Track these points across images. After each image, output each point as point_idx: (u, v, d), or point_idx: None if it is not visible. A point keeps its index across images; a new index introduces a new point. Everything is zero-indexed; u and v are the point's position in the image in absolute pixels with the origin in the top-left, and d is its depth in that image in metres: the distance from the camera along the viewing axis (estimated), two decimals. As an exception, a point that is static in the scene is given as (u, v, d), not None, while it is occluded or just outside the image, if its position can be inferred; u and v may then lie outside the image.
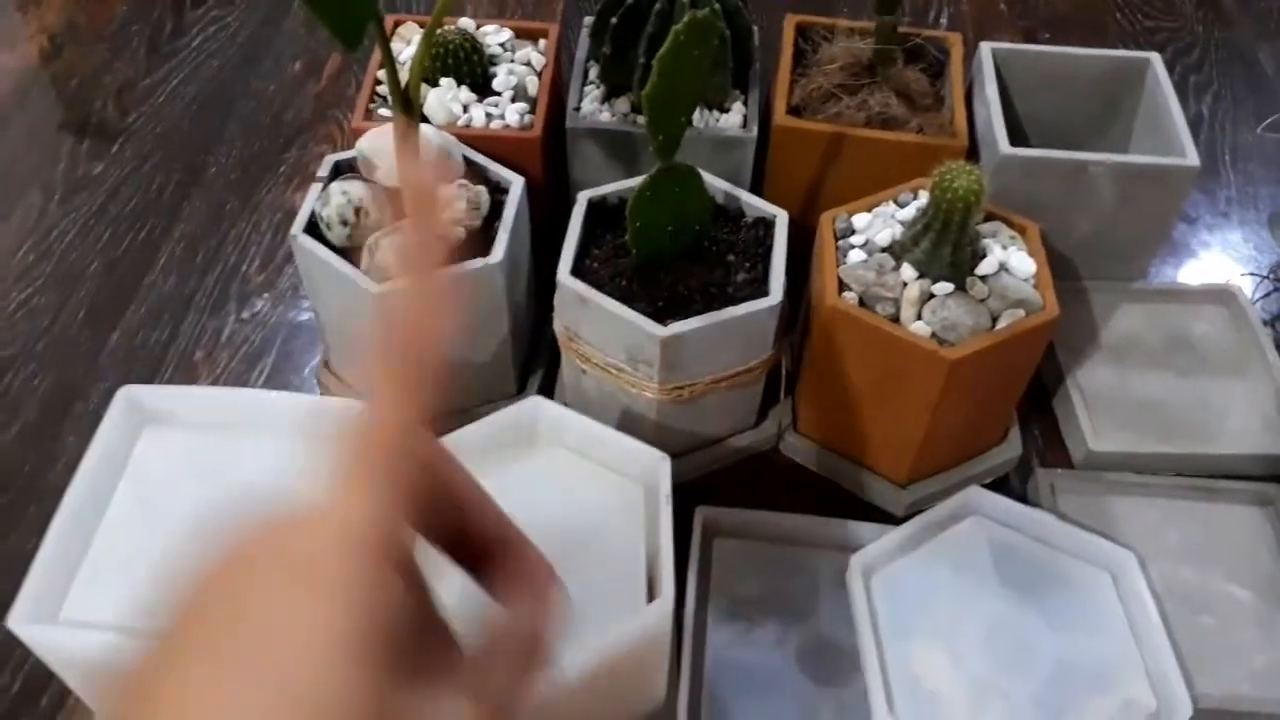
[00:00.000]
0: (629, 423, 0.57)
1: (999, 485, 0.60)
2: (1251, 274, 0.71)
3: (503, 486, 0.48)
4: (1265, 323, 0.68)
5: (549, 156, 0.64)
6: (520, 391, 0.62)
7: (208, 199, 0.76)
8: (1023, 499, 0.58)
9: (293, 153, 0.80)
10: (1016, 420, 0.61)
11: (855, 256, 0.54)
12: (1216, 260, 0.73)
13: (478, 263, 0.53)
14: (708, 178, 0.57)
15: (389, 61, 0.49)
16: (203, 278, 0.71)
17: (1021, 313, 0.51)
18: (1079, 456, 0.60)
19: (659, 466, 0.47)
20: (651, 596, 0.44)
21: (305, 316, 0.69)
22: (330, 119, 0.82)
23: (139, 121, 0.82)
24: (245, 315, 0.69)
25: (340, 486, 0.23)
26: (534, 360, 0.63)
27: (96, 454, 0.46)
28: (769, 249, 0.56)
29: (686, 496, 0.57)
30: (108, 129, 0.82)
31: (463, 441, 0.48)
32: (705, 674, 0.51)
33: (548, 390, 0.63)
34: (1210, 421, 0.61)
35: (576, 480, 0.48)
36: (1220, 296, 0.68)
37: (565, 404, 0.61)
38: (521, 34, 0.68)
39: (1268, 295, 0.70)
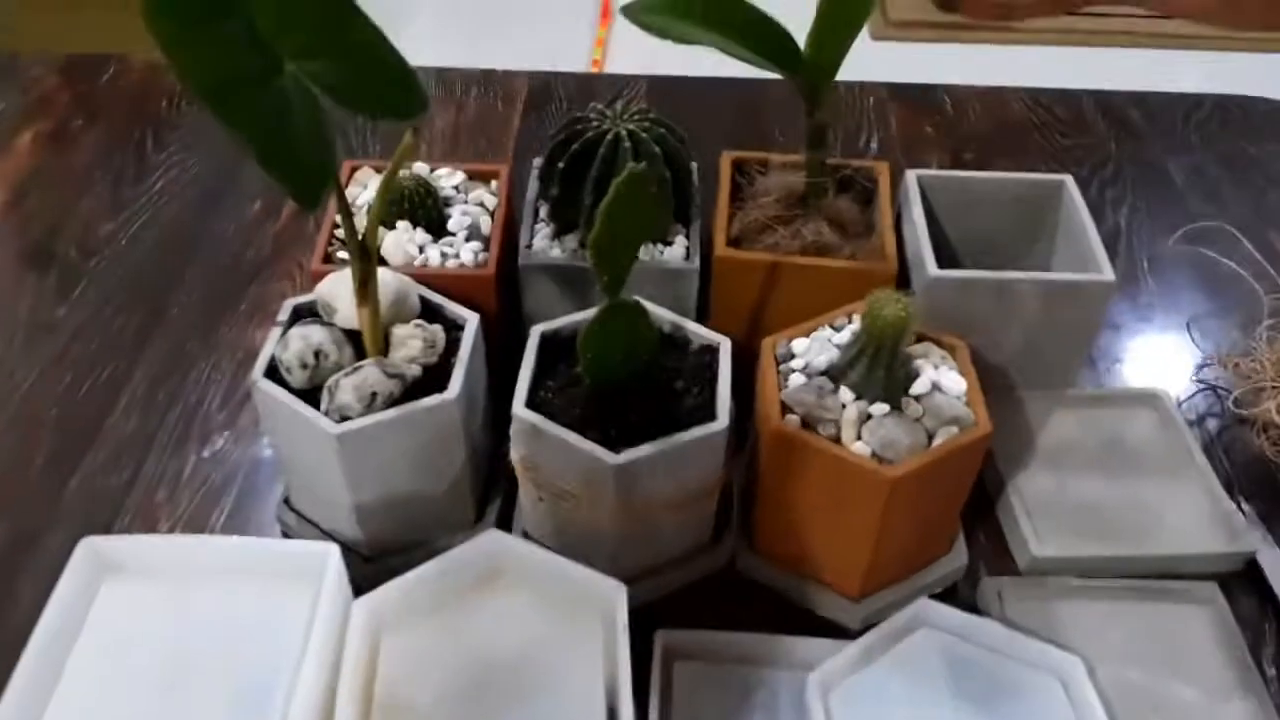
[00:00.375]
0: (586, 547, 0.59)
1: (949, 594, 0.61)
2: (1174, 375, 0.75)
3: (462, 623, 0.49)
4: (1191, 423, 0.72)
5: (503, 291, 0.66)
6: (479, 519, 0.63)
7: (169, 339, 0.78)
8: (972, 607, 0.59)
9: (252, 291, 0.82)
10: (962, 530, 0.63)
11: (796, 380, 0.56)
12: (1142, 364, 0.77)
13: (435, 399, 0.55)
14: (653, 309, 0.60)
15: (345, 214, 0.52)
16: (164, 417, 0.72)
17: (955, 429, 0.54)
18: (1024, 562, 0.62)
19: (615, 596, 0.48)
20: (612, 727, 0.45)
21: (266, 453, 0.70)
22: (289, 257, 0.85)
23: (102, 264, 0.84)
24: (206, 454, 0.70)
25: None
26: (492, 488, 0.65)
27: (55, 610, 0.47)
28: (715, 375, 0.58)
29: (646, 618, 0.58)
30: (71, 272, 0.84)
31: (420, 580, 0.49)
32: (670, 801, 0.52)
33: (506, 517, 0.64)
34: (1147, 522, 0.64)
35: (534, 614, 0.49)
36: (1148, 400, 0.71)
37: (524, 530, 0.63)
38: (474, 176, 0.72)
39: (1192, 397, 0.74)
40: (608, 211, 0.48)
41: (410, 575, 0.49)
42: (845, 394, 0.55)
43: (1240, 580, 0.62)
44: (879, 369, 0.54)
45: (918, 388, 0.55)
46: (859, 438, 0.54)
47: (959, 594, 0.62)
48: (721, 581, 0.63)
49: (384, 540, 0.60)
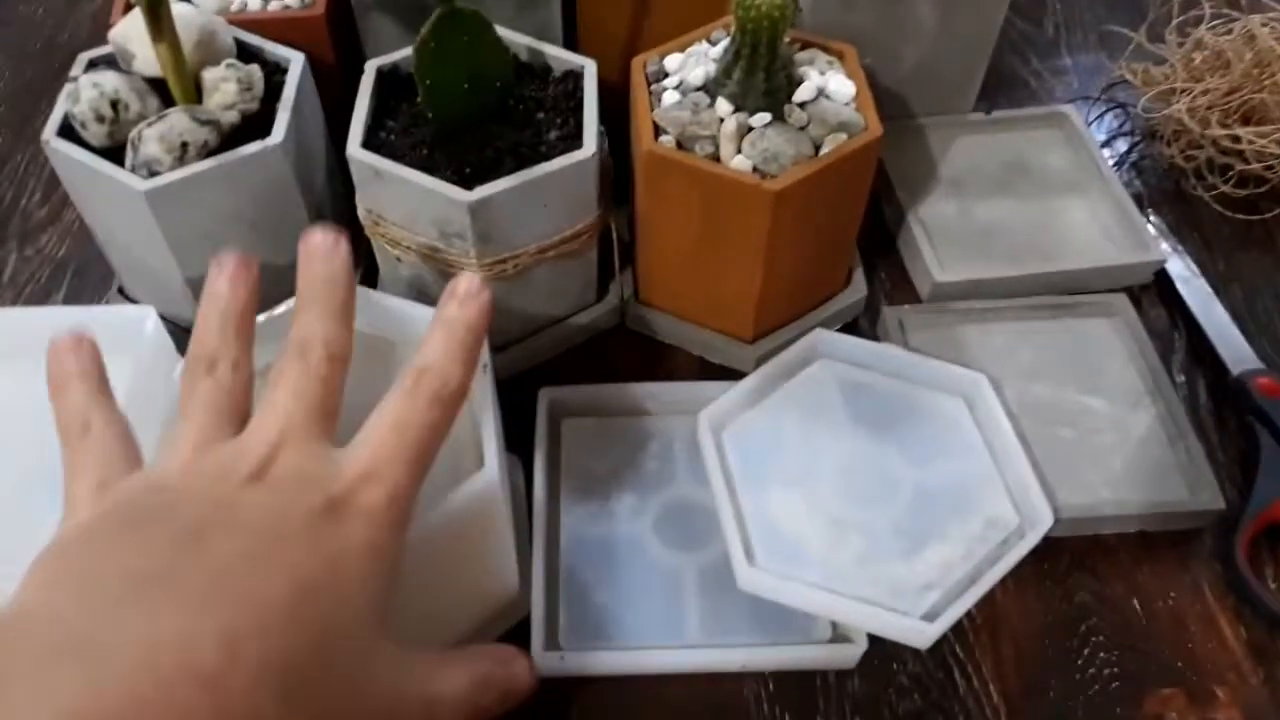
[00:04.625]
0: (456, 309, 0.53)
1: (848, 330, 0.58)
2: (1083, 99, 0.70)
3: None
4: (1101, 145, 0.68)
5: (340, 34, 0.58)
6: (338, 294, 0.57)
7: (-25, 135, 0.69)
8: (874, 339, 0.56)
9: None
10: (860, 263, 0.59)
11: (669, 99, 0.50)
12: (1049, 88, 0.72)
13: (256, 145, 0.48)
14: (508, 34, 0.53)
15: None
16: (-24, 218, 0.64)
17: (844, 136, 0.49)
18: (926, 290, 0.59)
19: (473, 335, 0.43)
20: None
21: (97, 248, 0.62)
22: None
23: (-112, 61, 0.74)
24: (29, 252, 0.62)
25: None
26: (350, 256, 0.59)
27: None
28: (581, 103, 0.52)
29: (532, 382, 0.54)
30: None
31: (258, 333, 0.43)
32: (560, 556, 0.49)
33: (368, 286, 0.58)
34: (1054, 241, 0.60)
35: (390, 363, 0.44)
36: (1054, 121, 0.66)
37: (388, 301, 0.57)
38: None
39: (1100, 117, 0.70)
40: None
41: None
42: (723, 106, 0.49)
43: (1149, 293, 0.60)
44: (757, 73, 0.48)
45: (802, 94, 0.49)
46: (739, 153, 0.48)
47: (859, 328, 0.58)
48: (611, 339, 0.59)
49: (229, 319, 0.54)
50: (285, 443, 0.32)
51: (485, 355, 0.42)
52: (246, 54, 0.53)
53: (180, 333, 0.55)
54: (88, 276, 0.61)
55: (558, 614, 0.47)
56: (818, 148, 0.49)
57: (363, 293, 0.45)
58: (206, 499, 0.30)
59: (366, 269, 0.58)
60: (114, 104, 0.49)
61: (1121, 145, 0.68)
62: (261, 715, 0.26)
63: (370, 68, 0.52)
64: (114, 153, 0.49)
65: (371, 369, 0.44)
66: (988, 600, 0.46)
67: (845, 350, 0.52)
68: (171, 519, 0.29)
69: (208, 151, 0.49)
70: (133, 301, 0.57)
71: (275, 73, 0.53)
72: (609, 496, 0.51)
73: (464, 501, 0.39)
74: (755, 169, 0.48)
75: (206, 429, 0.32)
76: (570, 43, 0.60)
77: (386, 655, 0.32)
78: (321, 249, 0.36)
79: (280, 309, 0.44)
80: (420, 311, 0.44)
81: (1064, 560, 0.50)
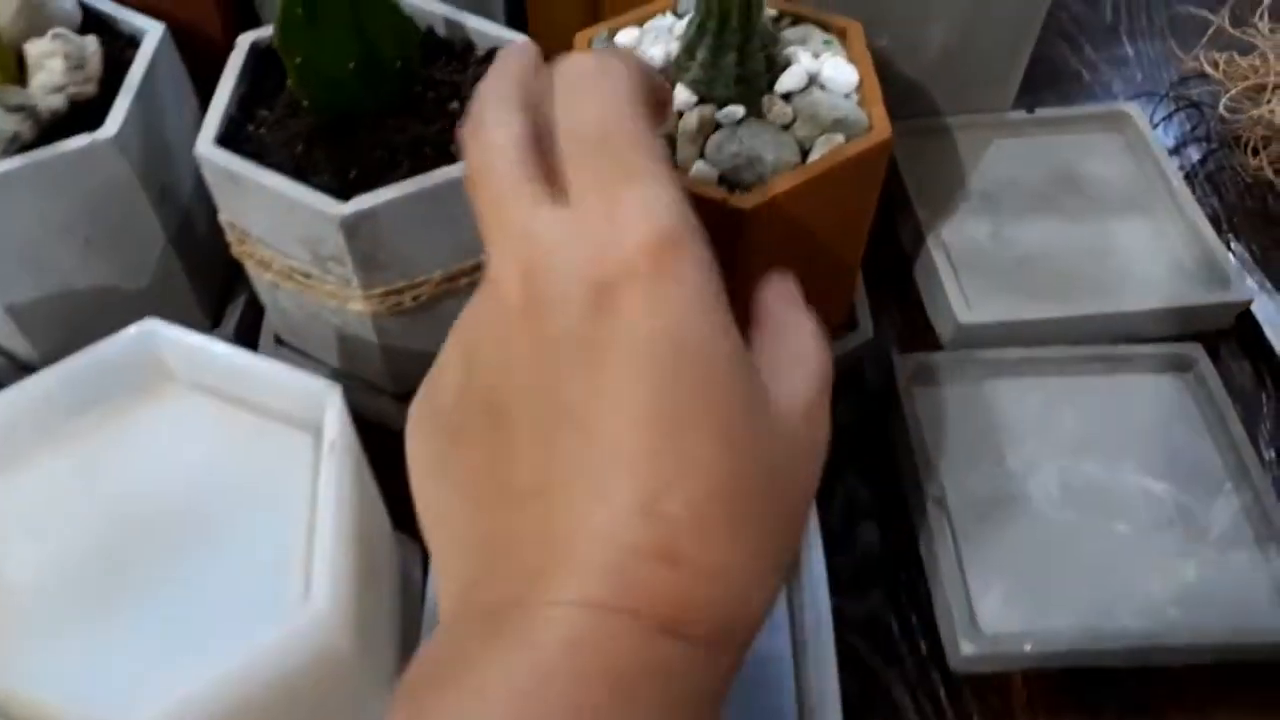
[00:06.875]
0: (350, 353, 0.43)
1: (852, 382, 0.46)
2: (1146, 94, 0.58)
3: (103, 454, 0.33)
4: (1169, 151, 0.55)
5: (231, 6, 0.48)
6: (216, 325, 0.47)
7: None
8: (883, 396, 0.44)
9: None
10: (866, 299, 0.47)
11: (616, 86, 0.39)
12: (1105, 83, 0.60)
13: (82, 139, 0.38)
14: (418, 1, 0.42)
15: None
16: None
17: (841, 138, 0.37)
18: (948, 334, 0.47)
19: (322, 399, 0.32)
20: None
21: None
22: None
23: None
24: None
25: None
26: (235, 283, 0.48)
27: None
28: (507, 91, 0.40)
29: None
30: None
31: (36, 394, 0.32)
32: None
33: (255, 323, 0.47)
34: (1110, 274, 0.48)
35: (218, 430, 0.33)
36: (1113, 122, 0.54)
37: (275, 336, 0.47)
38: None
39: (1169, 117, 0.57)
40: None
41: (18, 387, 0.32)
42: (682, 95, 0.38)
43: (1230, 343, 0.48)
44: (727, 52, 0.36)
45: (787, 82, 0.38)
46: (701, 156, 0.37)
47: (865, 380, 0.47)
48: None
49: (70, 355, 0.44)
50: None
51: (333, 427, 0.31)
52: (97, 24, 0.43)
53: (15, 370, 0.45)
54: None
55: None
56: (806, 152, 0.37)
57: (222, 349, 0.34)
58: None
59: (253, 300, 0.47)
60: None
61: (1195, 153, 0.56)
62: None
63: (243, 42, 0.41)
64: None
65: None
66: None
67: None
68: None
69: (20, 146, 0.38)
70: None
71: (129, 46, 0.42)
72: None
73: (281, 646, 0.27)
74: (722, 178, 0.36)
75: None
76: (517, 17, 0.49)
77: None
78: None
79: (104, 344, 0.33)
80: (298, 379, 0.32)
81: (1112, 698, 0.38)
